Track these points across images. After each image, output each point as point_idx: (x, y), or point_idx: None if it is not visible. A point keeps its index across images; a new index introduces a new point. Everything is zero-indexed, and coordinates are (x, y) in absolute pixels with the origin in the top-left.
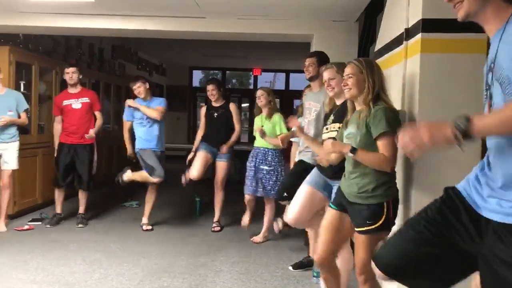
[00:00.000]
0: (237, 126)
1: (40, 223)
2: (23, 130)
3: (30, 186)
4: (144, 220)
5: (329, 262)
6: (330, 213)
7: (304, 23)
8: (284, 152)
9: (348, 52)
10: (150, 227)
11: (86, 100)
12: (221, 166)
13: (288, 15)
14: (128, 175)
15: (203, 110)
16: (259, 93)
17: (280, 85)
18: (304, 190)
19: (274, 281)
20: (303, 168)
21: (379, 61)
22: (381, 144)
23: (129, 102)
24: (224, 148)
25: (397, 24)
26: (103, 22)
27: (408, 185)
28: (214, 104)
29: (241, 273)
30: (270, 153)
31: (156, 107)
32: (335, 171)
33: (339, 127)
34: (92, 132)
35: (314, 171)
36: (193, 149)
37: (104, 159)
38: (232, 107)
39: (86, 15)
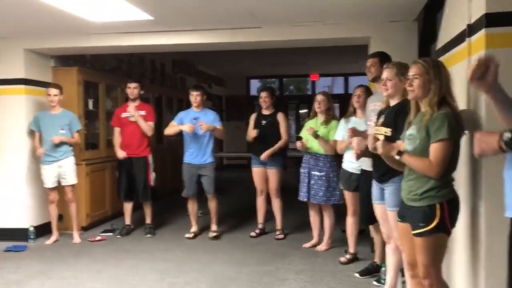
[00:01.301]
0: (284, 136)
1: (111, 234)
2: (92, 145)
3: (100, 198)
4: (213, 227)
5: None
6: (399, 226)
7: (361, 26)
8: (337, 157)
9: (407, 52)
10: (216, 234)
11: (142, 113)
12: (273, 173)
13: (343, 18)
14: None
15: (252, 117)
16: (319, 98)
17: (339, 89)
18: (377, 211)
19: None
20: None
21: (440, 60)
22: (433, 148)
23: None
24: (264, 155)
25: (458, 21)
26: (162, 39)
27: (476, 198)
28: (264, 112)
29: (307, 281)
30: (321, 158)
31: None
32: (381, 174)
33: (385, 132)
34: (132, 110)
35: (373, 185)
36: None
37: (169, 169)
38: (280, 116)
39: (146, 33)
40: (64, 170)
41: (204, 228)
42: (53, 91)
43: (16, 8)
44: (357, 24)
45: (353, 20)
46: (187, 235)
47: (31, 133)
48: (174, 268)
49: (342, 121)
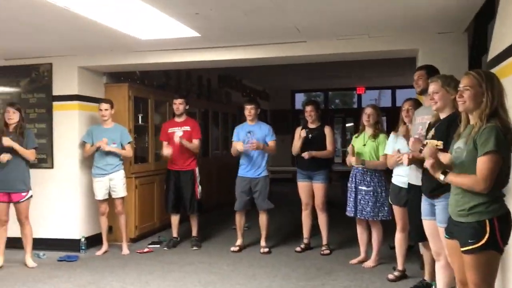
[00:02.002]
0: (329, 147)
1: (158, 246)
2: (141, 158)
3: (149, 211)
4: (262, 243)
5: None
6: (447, 243)
7: (408, 38)
8: (385, 172)
9: (457, 64)
10: (267, 250)
11: (187, 128)
12: (318, 188)
13: (390, 31)
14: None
15: (298, 130)
16: (369, 111)
17: (386, 102)
18: (427, 227)
19: None
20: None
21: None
22: (480, 162)
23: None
24: (306, 153)
25: (511, 31)
26: (209, 55)
27: None
28: (310, 126)
29: None
30: (369, 173)
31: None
32: (431, 188)
33: (436, 145)
34: (178, 137)
35: (422, 199)
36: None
37: (214, 183)
38: (327, 129)
39: (193, 49)
40: (115, 183)
41: (249, 242)
42: (104, 105)
43: (70, 27)
44: (404, 37)
45: (400, 32)
46: (232, 248)
47: (83, 145)
48: (220, 281)
49: (392, 135)
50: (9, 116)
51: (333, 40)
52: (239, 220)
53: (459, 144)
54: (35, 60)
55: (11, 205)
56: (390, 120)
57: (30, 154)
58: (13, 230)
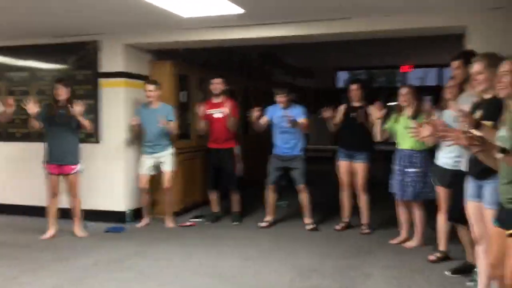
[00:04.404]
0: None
1: (200, 220)
2: (185, 136)
3: (191, 186)
4: (306, 220)
5: None
6: (494, 230)
7: (455, 14)
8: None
9: (509, 42)
10: (313, 226)
11: (225, 110)
12: (360, 167)
13: (437, 7)
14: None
15: (342, 107)
16: (403, 91)
17: (431, 81)
18: (472, 209)
19: (430, 287)
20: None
21: None
22: None
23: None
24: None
25: None
26: (252, 32)
27: None
28: (354, 105)
29: (393, 277)
30: (418, 155)
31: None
32: (480, 169)
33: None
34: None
35: (468, 181)
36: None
37: (255, 160)
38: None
39: (236, 26)
40: (163, 160)
41: (287, 219)
42: (149, 87)
43: (115, 4)
44: (451, 12)
45: (447, 8)
46: (261, 224)
47: (131, 125)
48: (260, 256)
49: (435, 112)
50: (59, 92)
51: (379, 16)
52: (271, 196)
53: (502, 133)
54: (82, 38)
55: (62, 177)
56: (436, 100)
57: (88, 124)
58: (64, 201)
